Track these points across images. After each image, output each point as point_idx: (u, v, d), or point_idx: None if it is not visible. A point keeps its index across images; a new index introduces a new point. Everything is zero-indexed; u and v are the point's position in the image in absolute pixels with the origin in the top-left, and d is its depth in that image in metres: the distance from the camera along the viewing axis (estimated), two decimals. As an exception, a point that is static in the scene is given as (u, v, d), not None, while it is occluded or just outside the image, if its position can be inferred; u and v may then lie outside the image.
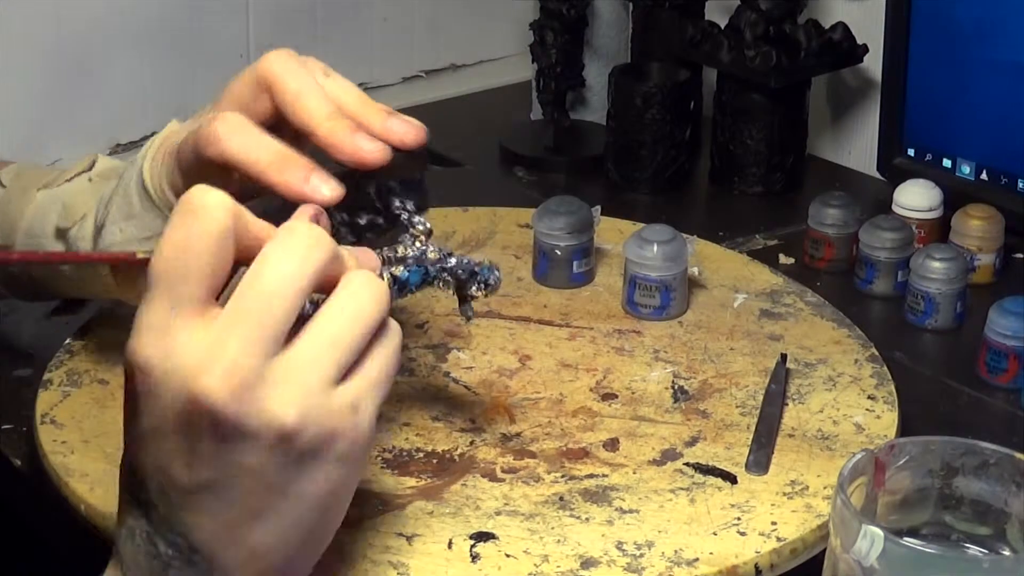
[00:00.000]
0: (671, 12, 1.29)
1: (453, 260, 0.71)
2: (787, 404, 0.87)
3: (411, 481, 0.79)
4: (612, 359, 0.92)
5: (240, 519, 0.57)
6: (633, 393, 0.88)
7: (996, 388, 0.96)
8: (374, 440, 0.60)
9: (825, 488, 0.78)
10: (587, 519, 0.76)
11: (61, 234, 0.81)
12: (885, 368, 0.90)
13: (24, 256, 0.66)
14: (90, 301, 0.96)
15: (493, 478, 0.79)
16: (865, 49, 1.26)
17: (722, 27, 1.26)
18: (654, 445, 0.83)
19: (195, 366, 0.55)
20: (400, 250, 0.70)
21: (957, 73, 1.18)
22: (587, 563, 0.72)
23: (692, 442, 0.83)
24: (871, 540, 0.60)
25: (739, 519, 0.76)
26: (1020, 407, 0.94)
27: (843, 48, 1.25)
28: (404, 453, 0.81)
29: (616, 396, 0.88)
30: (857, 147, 1.34)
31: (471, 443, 0.82)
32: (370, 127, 0.69)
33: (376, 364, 0.58)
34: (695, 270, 1.00)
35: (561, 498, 0.77)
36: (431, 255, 0.70)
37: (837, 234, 1.11)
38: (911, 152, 1.23)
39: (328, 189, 0.66)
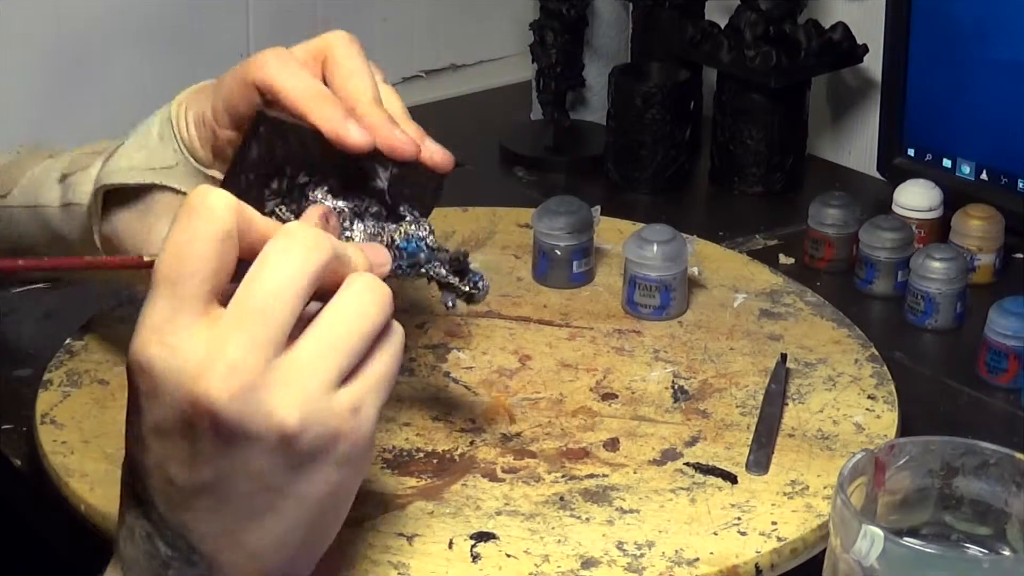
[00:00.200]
0: (671, 12, 1.29)
1: (449, 254, 0.73)
2: (787, 404, 0.87)
3: (411, 481, 0.79)
4: (612, 359, 0.92)
5: (240, 520, 0.57)
6: (633, 393, 0.88)
7: (996, 388, 0.96)
8: (375, 442, 0.60)
9: (825, 488, 0.78)
10: (587, 519, 0.76)
11: (63, 179, 0.82)
12: (885, 368, 0.90)
13: (29, 264, 0.66)
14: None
15: (493, 478, 0.79)
16: (865, 49, 1.26)
17: (722, 27, 1.26)
18: (654, 445, 0.83)
19: (197, 367, 0.55)
20: (404, 227, 0.72)
21: (957, 73, 1.18)
22: (587, 563, 0.72)
23: (692, 442, 0.83)
24: (871, 540, 0.60)
25: (739, 519, 0.76)
26: (1020, 407, 0.94)
27: (843, 48, 1.25)
28: (404, 453, 0.81)
29: (616, 396, 0.88)
30: (857, 147, 1.34)
31: (471, 443, 0.82)
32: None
33: (378, 366, 0.58)
34: (695, 270, 1.00)
35: (561, 498, 0.77)
36: (430, 242, 0.72)
37: (837, 234, 1.11)
38: (911, 152, 1.23)
39: (360, 134, 0.68)
